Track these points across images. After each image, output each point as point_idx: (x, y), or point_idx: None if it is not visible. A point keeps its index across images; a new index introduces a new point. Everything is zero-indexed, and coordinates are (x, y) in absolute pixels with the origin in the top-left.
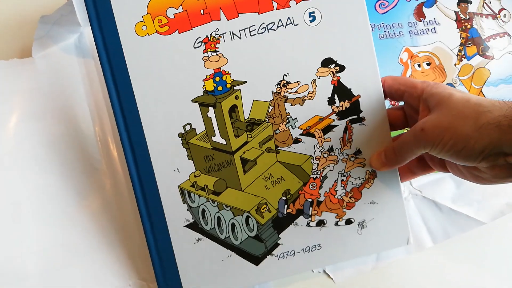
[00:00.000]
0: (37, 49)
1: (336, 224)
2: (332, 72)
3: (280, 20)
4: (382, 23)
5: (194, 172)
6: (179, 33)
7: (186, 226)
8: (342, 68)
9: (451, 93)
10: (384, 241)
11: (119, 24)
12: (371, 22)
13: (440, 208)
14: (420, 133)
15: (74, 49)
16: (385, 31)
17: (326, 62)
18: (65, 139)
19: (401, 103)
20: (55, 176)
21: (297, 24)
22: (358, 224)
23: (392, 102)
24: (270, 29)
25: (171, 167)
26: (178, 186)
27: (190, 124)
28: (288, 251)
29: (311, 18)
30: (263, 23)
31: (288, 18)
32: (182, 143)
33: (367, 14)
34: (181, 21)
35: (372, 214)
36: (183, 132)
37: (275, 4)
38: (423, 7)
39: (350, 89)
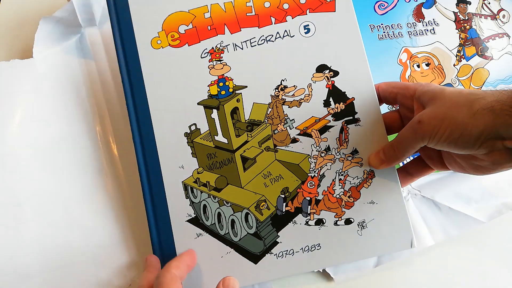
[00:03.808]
0: (38, 49)
1: (336, 223)
2: (327, 77)
3: (278, 32)
4: (381, 24)
5: (197, 168)
6: (188, 46)
7: (188, 221)
8: (336, 73)
9: (443, 88)
10: (386, 244)
11: (138, 40)
12: (371, 23)
13: (439, 208)
14: (418, 125)
15: (75, 49)
16: (384, 32)
17: (321, 68)
18: (66, 139)
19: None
20: (56, 176)
21: (293, 36)
22: (358, 224)
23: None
24: (269, 40)
25: (176, 164)
26: (182, 181)
27: (195, 124)
28: (287, 250)
29: (306, 30)
30: (263, 35)
31: (285, 30)
32: (187, 142)
33: (358, 25)
34: (190, 35)
35: (372, 215)
36: (188, 131)
37: (273, 19)
38: (422, 7)
39: (344, 92)
